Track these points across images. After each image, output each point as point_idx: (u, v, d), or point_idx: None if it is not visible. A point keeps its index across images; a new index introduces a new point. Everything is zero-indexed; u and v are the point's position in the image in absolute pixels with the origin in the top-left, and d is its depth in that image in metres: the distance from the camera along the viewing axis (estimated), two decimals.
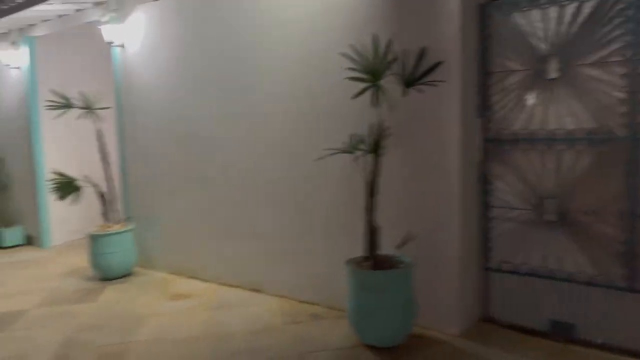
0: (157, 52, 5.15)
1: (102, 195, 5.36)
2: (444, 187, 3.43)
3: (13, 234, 6.92)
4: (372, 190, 3.39)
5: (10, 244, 6.88)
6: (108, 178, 5.39)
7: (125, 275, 5.28)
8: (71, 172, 5.54)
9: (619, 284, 3.13)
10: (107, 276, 5.19)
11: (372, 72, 3.23)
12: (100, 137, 5.34)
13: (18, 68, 6.73)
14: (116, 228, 5.24)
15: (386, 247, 3.42)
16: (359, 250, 3.59)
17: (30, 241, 6.99)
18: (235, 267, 4.75)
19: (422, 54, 3.39)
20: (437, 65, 3.34)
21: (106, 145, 5.46)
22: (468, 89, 3.42)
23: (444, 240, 3.46)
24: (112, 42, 5.44)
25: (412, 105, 3.50)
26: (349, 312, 3.42)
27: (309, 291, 4.23)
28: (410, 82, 3.37)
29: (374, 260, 3.32)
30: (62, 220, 6.93)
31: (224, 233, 4.81)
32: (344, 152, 3.52)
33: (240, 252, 4.70)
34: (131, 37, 5.36)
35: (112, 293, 4.82)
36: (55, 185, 5.24)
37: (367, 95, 3.32)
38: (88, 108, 5.37)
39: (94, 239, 5.13)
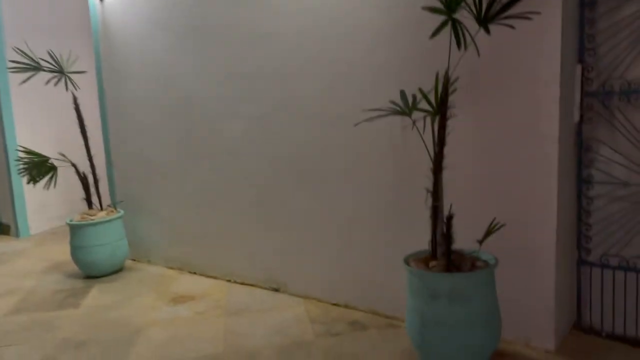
0: (142, 1, 4.20)
1: (83, 177, 4.47)
2: (537, 158, 2.57)
3: None
4: (438, 164, 2.52)
5: None
6: (89, 156, 4.48)
7: (115, 271, 4.42)
8: (49, 150, 4.63)
9: None
10: (93, 273, 4.32)
11: (447, 1, 2.32)
12: (76, 106, 4.41)
13: None
14: (101, 216, 4.35)
15: (457, 241, 2.57)
16: (414, 242, 2.75)
17: (4, 230, 6.08)
18: (249, 261, 3.90)
19: None
20: None
21: (83, 116, 4.55)
22: (567, 24, 2.53)
23: (536, 229, 2.62)
24: None
25: (491, 48, 2.61)
26: (409, 324, 2.59)
27: (344, 292, 3.40)
28: (490, 15, 2.47)
29: (446, 259, 2.48)
30: (42, 206, 6.03)
31: (235, 219, 3.94)
32: (396, 113, 2.62)
33: (255, 242, 3.84)
34: None
35: (99, 295, 3.97)
36: (24, 166, 4.32)
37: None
38: (59, 72, 4.41)
39: (75, 230, 4.25)
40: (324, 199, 3.39)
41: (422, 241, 2.68)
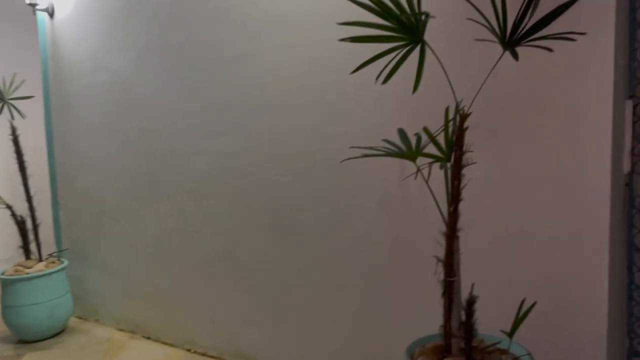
0: (98, 17, 3.59)
1: (20, 221, 3.77)
2: (582, 219, 1.97)
3: None
4: (452, 226, 1.91)
5: None
6: (28, 196, 3.80)
7: (54, 334, 3.70)
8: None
9: None
10: (27, 337, 3.60)
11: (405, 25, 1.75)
12: (14, 137, 3.74)
13: None
14: (38, 268, 3.65)
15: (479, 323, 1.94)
16: (416, 321, 2.13)
17: None
18: (212, 327, 3.22)
19: None
20: (567, 5, 1.88)
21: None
22: (619, 48, 1.97)
23: (581, 313, 2.00)
24: (35, 5, 3.85)
25: (519, 76, 2.04)
26: None
27: None
28: (517, 36, 1.90)
29: (466, 357, 1.84)
30: None
31: (196, 275, 3.27)
32: (395, 155, 2.03)
33: (220, 304, 3.17)
34: None
35: None
36: None
37: (431, 68, 1.85)
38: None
39: (5, 286, 3.54)
40: (303, 258, 2.75)
41: (426, 320, 2.05)
